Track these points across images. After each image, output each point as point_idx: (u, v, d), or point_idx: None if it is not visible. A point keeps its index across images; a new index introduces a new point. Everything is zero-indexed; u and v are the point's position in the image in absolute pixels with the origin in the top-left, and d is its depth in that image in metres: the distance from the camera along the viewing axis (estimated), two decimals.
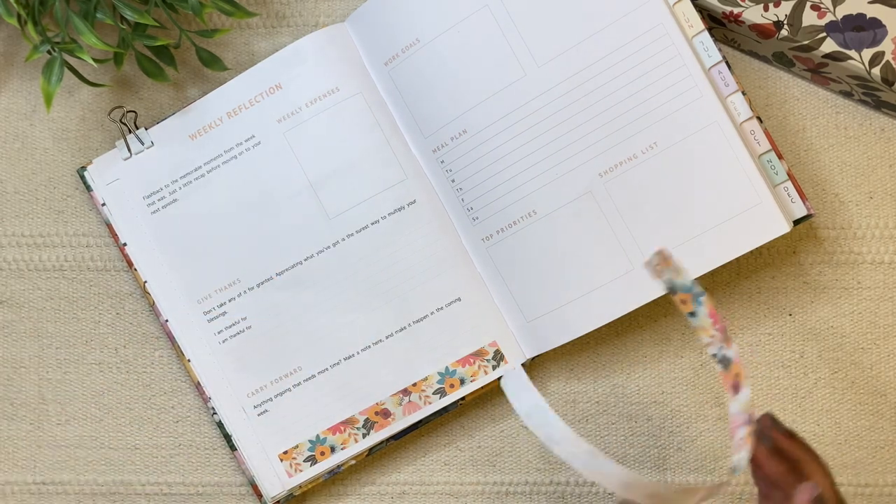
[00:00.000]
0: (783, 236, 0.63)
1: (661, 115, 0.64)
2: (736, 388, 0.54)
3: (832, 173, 0.69)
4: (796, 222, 0.64)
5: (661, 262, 0.54)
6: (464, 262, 0.68)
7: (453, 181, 0.67)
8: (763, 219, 0.63)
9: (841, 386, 0.69)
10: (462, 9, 0.65)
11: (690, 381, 0.70)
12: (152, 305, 0.69)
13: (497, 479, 0.70)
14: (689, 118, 0.64)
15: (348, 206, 0.68)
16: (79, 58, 0.64)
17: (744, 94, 0.64)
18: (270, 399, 0.68)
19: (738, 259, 0.68)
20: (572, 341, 0.67)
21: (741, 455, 0.53)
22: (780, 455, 0.55)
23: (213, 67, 0.69)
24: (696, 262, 0.64)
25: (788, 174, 0.64)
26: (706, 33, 0.64)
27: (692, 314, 0.55)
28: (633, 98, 0.64)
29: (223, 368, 0.69)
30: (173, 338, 0.69)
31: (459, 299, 0.68)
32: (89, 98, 0.71)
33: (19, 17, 0.64)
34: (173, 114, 0.69)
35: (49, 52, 0.64)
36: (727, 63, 0.64)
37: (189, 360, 0.69)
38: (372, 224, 0.68)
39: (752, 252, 0.68)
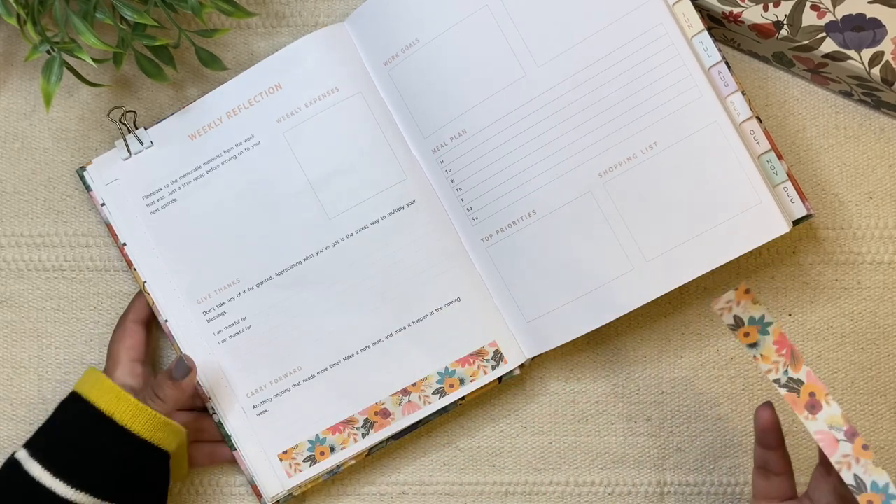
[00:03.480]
0: (783, 236, 0.63)
1: (660, 114, 0.64)
2: (813, 406, 0.53)
3: (832, 173, 0.69)
4: (796, 222, 0.64)
5: (741, 296, 0.55)
6: (463, 262, 0.68)
7: (453, 181, 0.67)
8: (763, 219, 0.63)
9: (841, 386, 0.69)
10: (462, 9, 0.65)
11: (690, 381, 0.70)
12: (152, 305, 0.69)
13: (497, 479, 0.70)
14: (689, 118, 0.63)
15: (348, 205, 0.68)
16: (78, 58, 0.64)
17: (743, 94, 0.64)
18: (270, 399, 0.68)
19: (738, 259, 0.68)
20: (572, 341, 0.67)
21: (870, 467, 0.52)
22: None
23: (213, 67, 0.69)
24: (696, 262, 0.64)
25: (788, 174, 0.64)
26: (706, 33, 0.64)
27: (753, 345, 0.55)
28: (632, 98, 0.64)
29: (223, 368, 0.68)
30: (172, 338, 0.69)
31: (459, 299, 0.68)
32: (89, 98, 0.71)
33: (19, 17, 0.64)
34: (173, 114, 0.69)
35: (48, 52, 0.64)
36: (727, 63, 0.64)
37: None
38: (372, 224, 0.68)
39: (752, 252, 0.68)
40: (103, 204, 0.69)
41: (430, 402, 0.68)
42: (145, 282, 0.69)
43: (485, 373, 0.68)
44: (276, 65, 0.68)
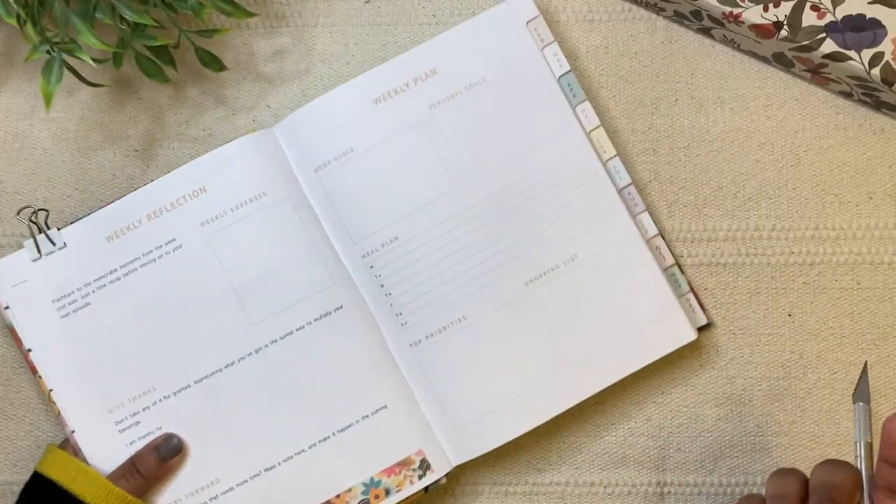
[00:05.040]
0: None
1: (579, 230, 0.67)
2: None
3: (832, 173, 0.69)
4: (700, 330, 0.67)
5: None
6: (390, 368, 0.66)
7: (382, 286, 0.67)
8: (672, 327, 0.67)
9: (841, 386, 0.69)
10: (396, 123, 0.67)
11: (690, 381, 0.70)
12: (57, 416, 0.66)
13: (497, 479, 0.70)
14: (605, 234, 0.67)
15: (273, 311, 0.66)
16: (78, 58, 0.64)
17: (649, 213, 0.68)
18: None
19: None
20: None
21: None
22: None
23: (213, 67, 0.69)
24: (613, 367, 0.67)
25: (689, 286, 0.68)
26: (618, 158, 0.68)
27: None
28: (554, 214, 0.67)
29: None
30: (79, 450, 0.65)
31: (385, 407, 0.66)
32: (88, 98, 0.71)
33: (19, 17, 0.64)
34: (87, 215, 0.67)
35: (48, 52, 0.64)
36: (635, 185, 0.68)
37: None
38: (297, 330, 0.66)
39: None
40: (7, 307, 0.66)
41: None
42: (51, 390, 0.66)
43: (411, 482, 0.66)
44: (202, 168, 0.66)
